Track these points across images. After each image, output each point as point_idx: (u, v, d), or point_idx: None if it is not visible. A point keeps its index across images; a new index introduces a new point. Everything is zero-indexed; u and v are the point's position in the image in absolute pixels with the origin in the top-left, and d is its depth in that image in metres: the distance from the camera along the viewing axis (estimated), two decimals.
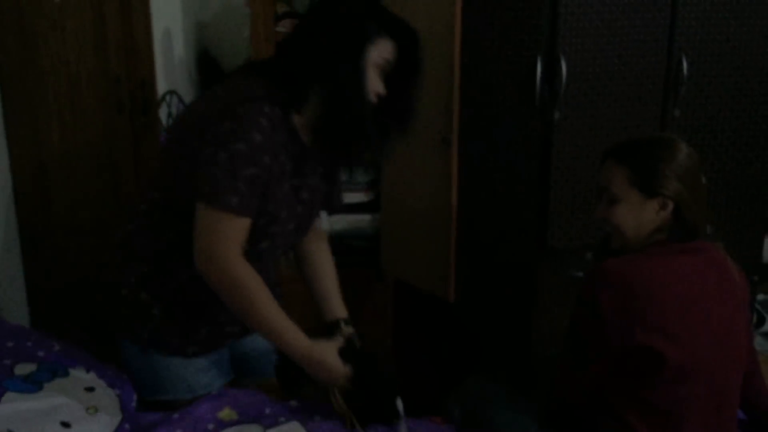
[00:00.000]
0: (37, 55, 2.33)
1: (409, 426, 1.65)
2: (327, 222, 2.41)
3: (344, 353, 1.61)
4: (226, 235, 1.46)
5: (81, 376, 1.69)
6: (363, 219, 2.62)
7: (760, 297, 2.88)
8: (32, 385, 1.60)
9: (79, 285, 2.56)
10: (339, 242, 2.45)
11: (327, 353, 1.58)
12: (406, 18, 1.58)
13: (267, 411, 1.67)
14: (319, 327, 1.75)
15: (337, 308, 1.78)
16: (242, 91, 1.51)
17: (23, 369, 1.66)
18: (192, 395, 1.70)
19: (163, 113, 3.44)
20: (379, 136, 1.57)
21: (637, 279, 1.54)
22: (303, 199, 1.64)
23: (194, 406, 1.63)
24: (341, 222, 2.64)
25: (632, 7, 2.22)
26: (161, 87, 3.36)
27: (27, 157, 2.41)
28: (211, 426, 1.59)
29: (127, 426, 1.58)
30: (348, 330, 1.75)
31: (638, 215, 1.62)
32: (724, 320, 1.57)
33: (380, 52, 1.53)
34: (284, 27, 2.65)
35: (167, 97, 3.50)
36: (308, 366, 1.57)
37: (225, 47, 3.36)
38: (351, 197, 2.59)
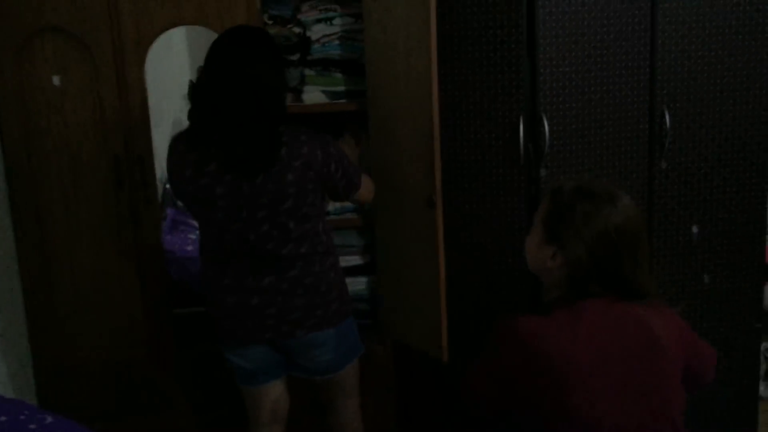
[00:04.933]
0: (40, 136, 2.44)
1: None
2: None
3: None
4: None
5: None
6: (360, 281, 2.63)
7: (764, 345, 2.82)
8: None
9: (85, 362, 2.61)
10: None
11: None
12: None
13: None
14: None
15: None
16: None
17: None
18: None
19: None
20: None
21: (541, 348, 1.45)
22: None
23: None
24: None
25: (611, 64, 2.26)
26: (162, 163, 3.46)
27: (31, 232, 2.50)
28: None
29: None
30: None
31: (536, 254, 1.60)
32: (633, 380, 1.45)
33: None
34: None
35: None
36: None
37: None
38: (348, 260, 2.62)
